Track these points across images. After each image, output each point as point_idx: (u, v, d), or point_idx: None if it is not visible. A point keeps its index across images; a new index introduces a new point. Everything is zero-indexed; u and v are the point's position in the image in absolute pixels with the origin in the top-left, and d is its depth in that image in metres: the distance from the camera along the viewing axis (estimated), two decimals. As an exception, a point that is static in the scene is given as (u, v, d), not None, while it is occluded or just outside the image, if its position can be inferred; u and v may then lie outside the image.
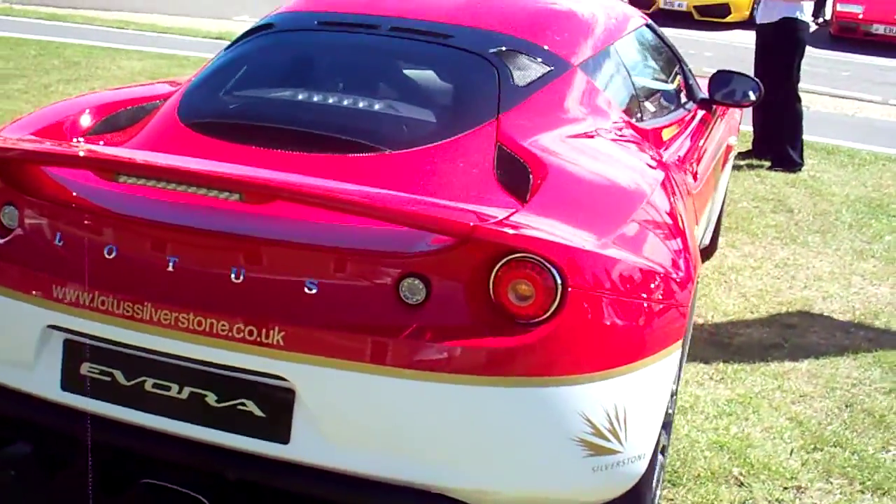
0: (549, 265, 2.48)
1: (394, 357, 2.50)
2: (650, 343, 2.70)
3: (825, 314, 5.40)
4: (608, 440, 2.60)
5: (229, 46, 3.78)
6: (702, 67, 8.82)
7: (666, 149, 3.89)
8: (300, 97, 3.33)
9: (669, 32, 15.39)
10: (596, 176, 3.15)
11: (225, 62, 3.65)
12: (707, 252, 5.93)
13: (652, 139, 3.81)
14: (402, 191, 2.77)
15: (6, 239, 2.88)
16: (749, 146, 8.62)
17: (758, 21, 8.43)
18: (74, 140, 3.32)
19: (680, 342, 2.89)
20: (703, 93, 4.94)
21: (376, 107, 3.26)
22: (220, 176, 2.57)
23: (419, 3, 3.80)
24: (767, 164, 8.35)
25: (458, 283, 2.53)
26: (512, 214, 2.63)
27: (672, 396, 3.40)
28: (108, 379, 2.73)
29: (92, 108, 3.54)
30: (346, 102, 3.27)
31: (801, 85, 8.46)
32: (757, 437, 4.03)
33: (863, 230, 6.89)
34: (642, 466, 2.75)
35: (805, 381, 4.56)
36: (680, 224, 3.21)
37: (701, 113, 4.80)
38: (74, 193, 2.85)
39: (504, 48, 3.46)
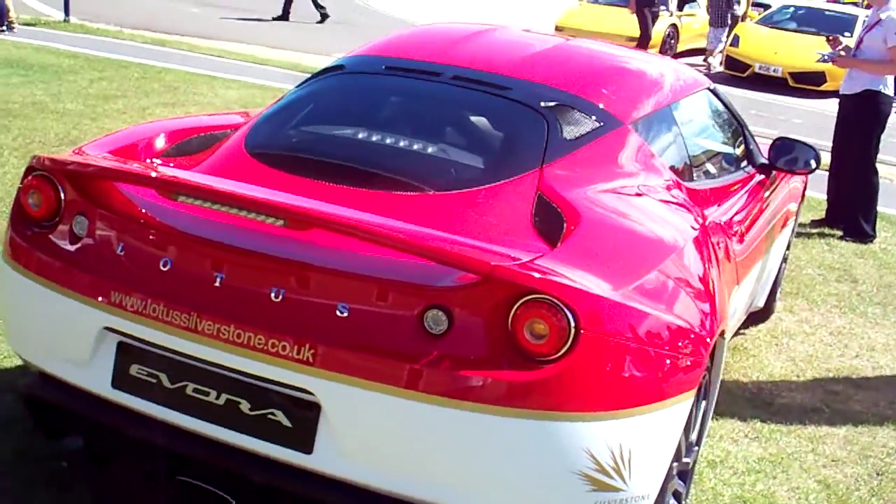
0: (563, 307, 2.65)
1: (413, 381, 2.68)
2: (658, 390, 2.85)
3: (872, 384, 5.43)
4: (611, 477, 2.76)
5: (301, 84, 4.03)
6: (788, 134, 8.85)
7: (713, 210, 4.01)
8: (358, 136, 3.55)
9: (763, 97, 15.47)
10: (627, 229, 3.30)
11: (294, 99, 3.91)
12: (762, 315, 6.01)
13: (699, 200, 3.94)
14: (442, 230, 2.95)
15: (76, 246, 3.14)
16: (822, 214, 8.67)
17: (840, 91, 8.47)
18: (147, 161, 3.59)
19: (691, 393, 3.03)
20: (764, 158, 5.06)
21: (427, 150, 3.46)
22: (265, 202, 2.81)
23: (484, 55, 4.00)
24: (839, 233, 8.36)
25: (478, 318, 2.71)
26: (536, 258, 2.81)
27: (692, 446, 3.52)
28: (154, 381, 2.97)
29: (167, 132, 3.82)
30: (400, 144, 3.49)
31: (884, 157, 8.43)
32: (782, 495, 4.12)
33: (926, 305, 6.89)
34: (645, 506, 2.90)
35: (840, 446, 4.62)
36: (709, 283, 3.35)
37: (758, 178, 4.91)
38: (139, 209, 3.10)
39: (557, 103, 3.64)
